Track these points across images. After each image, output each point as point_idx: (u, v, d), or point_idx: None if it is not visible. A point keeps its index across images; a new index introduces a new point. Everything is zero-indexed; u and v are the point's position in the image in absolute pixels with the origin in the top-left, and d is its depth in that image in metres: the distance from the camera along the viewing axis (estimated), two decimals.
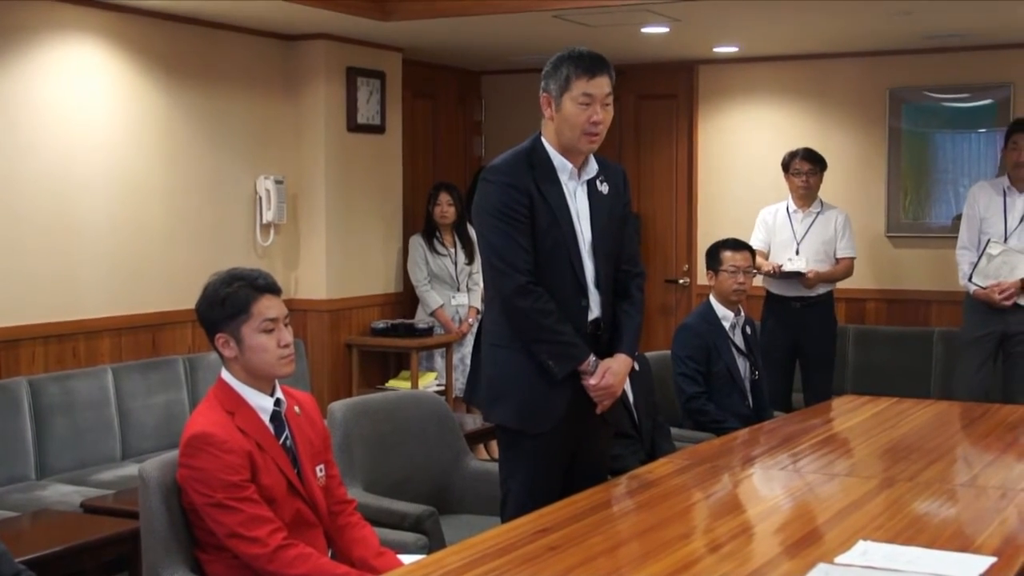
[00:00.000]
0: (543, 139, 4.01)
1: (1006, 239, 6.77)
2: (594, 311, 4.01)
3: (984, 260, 6.76)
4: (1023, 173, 6.79)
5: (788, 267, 7.28)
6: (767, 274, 7.30)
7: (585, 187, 4.02)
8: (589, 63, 3.91)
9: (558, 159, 3.98)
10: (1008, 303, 6.71)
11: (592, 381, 3.93)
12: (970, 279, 6.82)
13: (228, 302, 3.44)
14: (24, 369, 6.06)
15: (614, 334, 4.07)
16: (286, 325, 3.51)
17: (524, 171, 3.93)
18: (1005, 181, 6.88)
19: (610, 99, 3.95)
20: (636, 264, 4.21)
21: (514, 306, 3.89)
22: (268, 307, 3.47)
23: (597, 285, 4.01)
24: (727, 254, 5.97)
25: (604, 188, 4.05)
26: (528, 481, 3.98)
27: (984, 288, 6.76)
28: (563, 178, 3.98)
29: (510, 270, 3.88)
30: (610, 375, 3.95)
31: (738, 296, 5.95)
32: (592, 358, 3.93)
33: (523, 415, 3.97)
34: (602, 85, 3.92)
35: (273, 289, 3.52)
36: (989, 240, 6.78)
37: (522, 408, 3.96)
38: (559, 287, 3.93)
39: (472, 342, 4.31)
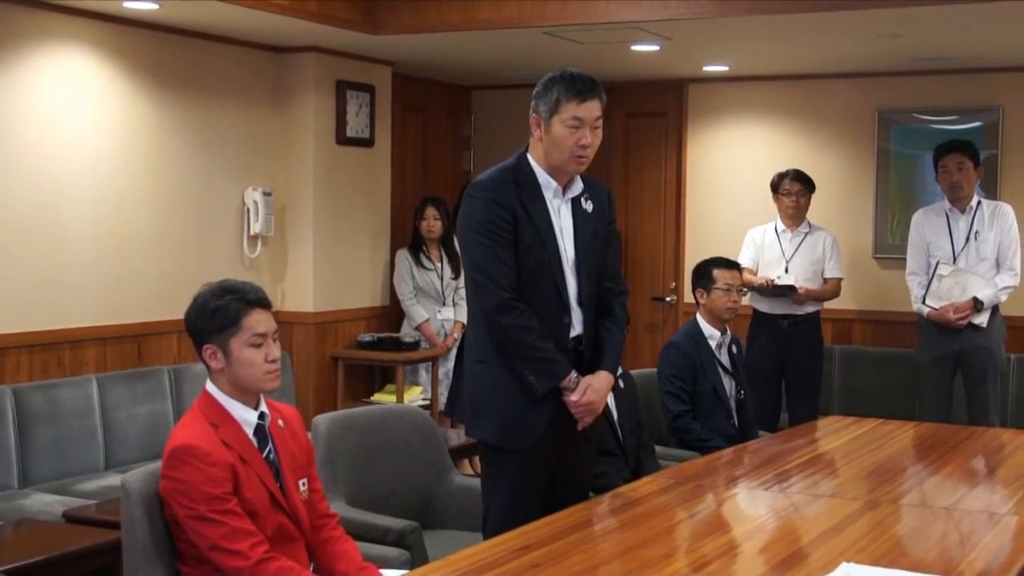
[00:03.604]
0: (529, 156, 4.01)
1: (954, 260, 6.82)
2: (576, 328, 4.01)
3: (935, 282, 6.80)
4: (960, 193, 6.84)
5: (779, 280, 7.30)
6: (758, 287, 7.31)
7: (570, 205, 4.03)
8: (580, 87, 3.91)
9: (543, 176, 3.98)
10: (963, 323, 6.75)
11: (573, 398, 3.93)
12: (923, 301, 6.86)
13: (218, 314, 3.44)
14: (8, 377, 6.04)
15: (596, 351, 4.08)
16: (274, 340, 3.51)
17: (509, 188, 3.94)
18: (946, 204, 6.93)
19: (599, 123, 3.95)
20: (619, 282, 4.22)
21: (496, 322, 3.89)
22: (258, 321, 3.46)
23: (580, 302, 4.01)
24: (719, 272, 5.97)
25: (588, 206, 4.05)
26: (509, 497, 3.98)
27: (938, 309, 6.79)
28: (548, 195, 3.98)
29: (492, 286, 3.88)
30: (591, 392, 3.95)
31: (731, 314, 5.95)
32: (574, 374, 3.93)
33: (504, 431, 3.97)
34: (592, 109, 3.92)
35: (264, 303, 3.51)
36: (938, 262, 6.83)
37: (503, 424, 3.96)
38: (542, 304, 3.93)
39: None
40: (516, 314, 3.87)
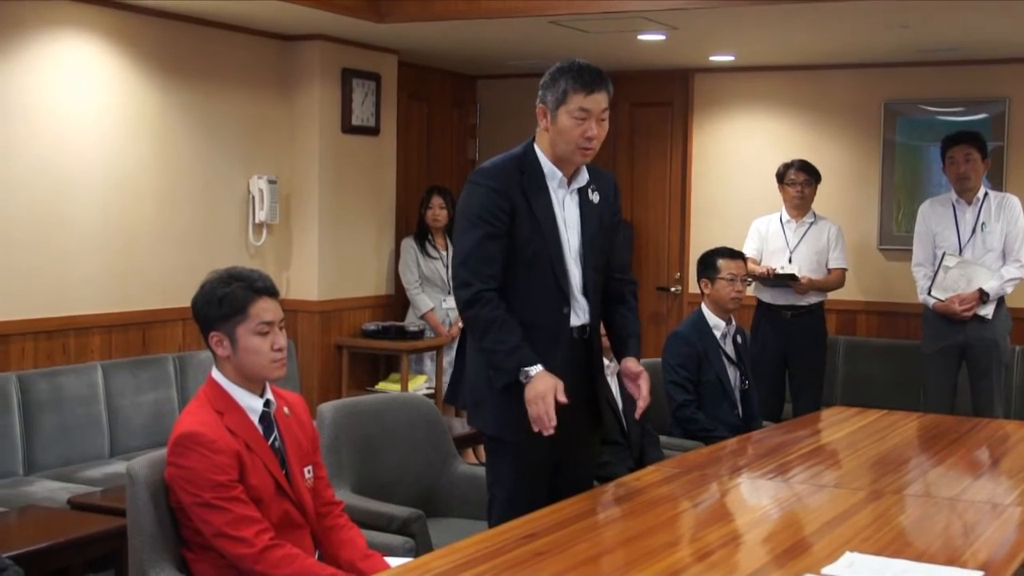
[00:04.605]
0: (536, 146, 4.00)
1: (960, 251, 6.81)
2: (580, 317, 4.00)
3: (941, 273, 6.79)
4: (968, 184, 6.83)
5: (781, 270, 7.30)
6: (760, 277, 7.31)
7: (576, 196, 4.01)
8: (588, 78, 3.88)
9: (548, 167, 3.97)
10: (968, 315, 6.74)
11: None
12: (929, 293, 6.85)
13: (225, 302, 3.44)
14: (14, 364, 6.05)
15: (619, 340, 4.08)
16: (281, 329, 3.51)
17: (512, 176, 3.92)
18: (952, 195, 6.91)
19: (606, 114, 3.92)
20: (627, 273, 4.22)
21: (466, 314, 3.89)
22: (265, 309, 3.46)
23: (584, 293, 3.99)
24: (724, 262, 5.96)
25: (595, 197, 4.04)
26: (513, 486, 3.98)
27: (943, 301, 6.78)
28: (552, 185, 3.97)
29: (471, 276, 3.86)
30: (644, 380, 3.98)
31: (735, 304, 5.94)
32: (530, 370, 3.77)
33: (501, 422, 3.96)
34: (599, 101, 3.89)
35: (271, 292, 3.51)
36: (944, 253, 6.82)
37: (500, 415, 3.94)
38: (540, 294, 3.92)
39: None
40: (481, 305, 3.83)
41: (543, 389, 3.71)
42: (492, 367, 3.86)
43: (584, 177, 4.03)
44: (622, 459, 4.99)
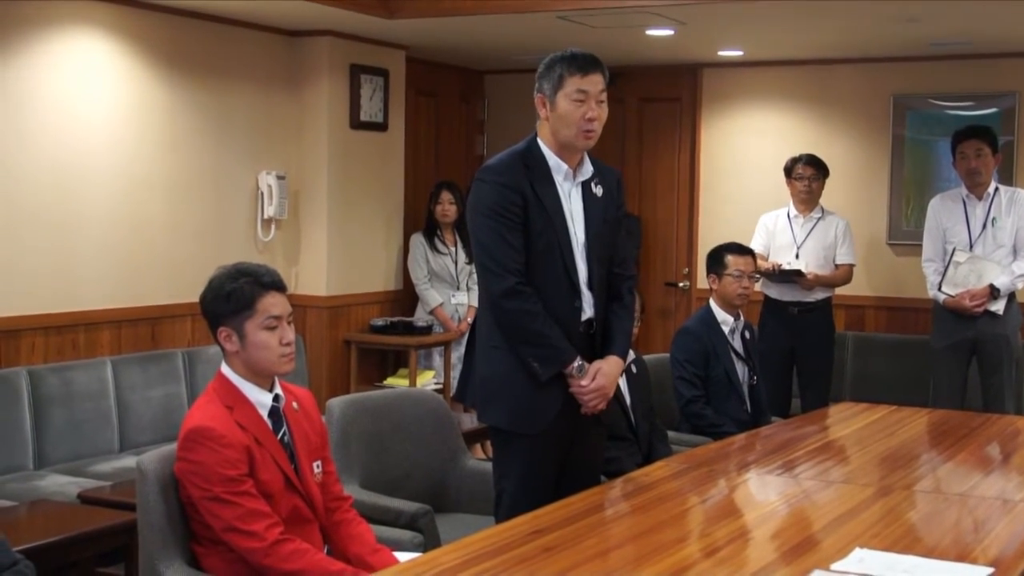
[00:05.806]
0: (539, 140, 4.02)
1: (971, 247, 6.78)
2: (587, 312, 4.01)
3: (951, 268, 6.77)
4: (978, 179, 6.80)
5: (787, 265, 7.28)
6: (765, 272, 7.28)
7: (580, 188, 4.03)
8: (582, 61, 3.94)
9: (553, 160, 3.98)
10: (979, 310, 6.72)
11: (583, 382, 3.93)
12: (939, 288, 6.83)
13: (233, 297, 3.44)
14: (24, 359, 6.06)
15: (605, 336, 4.08)
16: (289, 323, 3.51)
17: (519, 171, 3.94)
18: (963, 190, 6.88)
19: (604, 96, 3.97)
20: (628, 267, 4.22)
21: (502, 307, 3.90)
22: (273, 304, 3.47)
23: (590, 286, 4.01)
24: (732, 258, 5.96)
25: (599, 190, 4.06)
26: (521, 481, 3.98)
27: (954, 296, 6.76)
28: (558, 179, 3.99)
29: (500, 270, 3.89)
30: (601, 376, 3.95)
31: (742, 300, 5.94)
32: (577, 361, 3.92)
33: (515, 416, 3.97)
34: (596, 82, 3.93)
35: (279, 286, 3.52)
36: (955, 249, 6.79)
37: (514, 409, 3.96)
38: (552, 288, 3.94)
39: None
40: (522, 299, 3.87)
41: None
42: (539, 358, 3.89)
43: (588, 170, 4.04)
44: (630, 454, 4.98)
